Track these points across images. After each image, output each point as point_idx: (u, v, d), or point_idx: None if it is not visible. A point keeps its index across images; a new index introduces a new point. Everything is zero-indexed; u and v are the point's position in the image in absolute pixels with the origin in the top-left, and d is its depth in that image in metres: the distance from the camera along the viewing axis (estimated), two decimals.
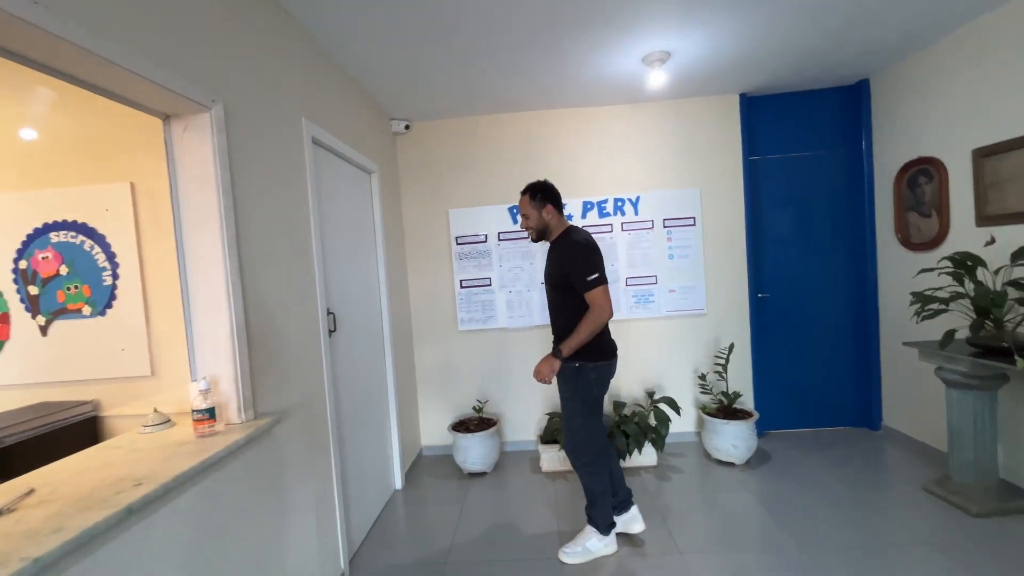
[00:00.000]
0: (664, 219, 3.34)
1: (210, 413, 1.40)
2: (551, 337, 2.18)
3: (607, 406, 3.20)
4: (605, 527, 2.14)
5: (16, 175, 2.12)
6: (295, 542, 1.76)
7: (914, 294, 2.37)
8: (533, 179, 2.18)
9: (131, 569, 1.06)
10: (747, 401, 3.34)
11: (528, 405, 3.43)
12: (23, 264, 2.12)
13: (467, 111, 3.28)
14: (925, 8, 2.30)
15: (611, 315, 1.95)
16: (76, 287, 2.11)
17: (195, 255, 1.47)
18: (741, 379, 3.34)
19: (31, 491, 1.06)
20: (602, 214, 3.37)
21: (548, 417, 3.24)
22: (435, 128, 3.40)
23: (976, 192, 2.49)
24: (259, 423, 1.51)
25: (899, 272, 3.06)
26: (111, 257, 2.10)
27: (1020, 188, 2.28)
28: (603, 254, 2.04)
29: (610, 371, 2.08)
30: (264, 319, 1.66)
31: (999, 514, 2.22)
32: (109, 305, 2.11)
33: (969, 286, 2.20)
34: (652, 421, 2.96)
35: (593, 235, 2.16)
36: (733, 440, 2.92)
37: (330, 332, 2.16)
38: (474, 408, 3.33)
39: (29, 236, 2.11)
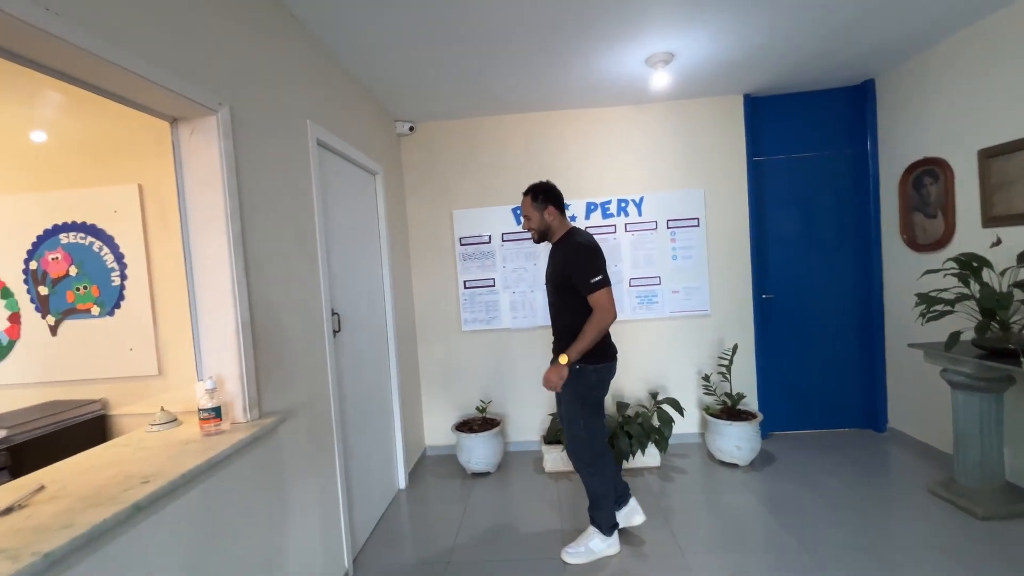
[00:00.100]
0: (668, 220, 3.34)
1: (216, 412, 1.42)
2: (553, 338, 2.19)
3: (610, 407, 3.20)
4: (608, 528, 2.14)
5: (27, 177, 2.15)
6: (299, 540, 1.77)
7: (919, 295, 2.35)
8: (537, 180, 2.18)
9: (138, 565, 1.08)
10: (751, 402, 3.33)
11: (531, 405, 3.44)
12: (33, 265, 2.15)
13: (471, 112, 3.29)
14: (930, 8, 2.29)
15: (615, 317, 1.95)
16: (85, 287, 2.14)
17: (202, 256, 1.49)
18: (745, 380, 3.33)
19: (41, 488, 1.08)
20: (606, 215, 3.37)
21: (551, 418, 3.25)
22: (439, 129, 3.42)
23: (982, 193, 2.48)
24: (264, 422, 1.53)
25: (904, 273, 3.04)
26: (119, 258, 2.13)
27: None
28: (606, 255, 2.03)
29: (610, 373, 2.07)
30: (269, 319, 1.67)
31: (1005, 517, 2.20)
32: (117, 305, 2.14)
33: (975, 287, 2.18)
34: (655, 422, 2.95)
35: (596, 236, 2.16)
36: (737, 441, 2.91)
37: (335, 332, 2.18)
38: (478, 408, 3.34)
39: (39, 237, 2.15)
